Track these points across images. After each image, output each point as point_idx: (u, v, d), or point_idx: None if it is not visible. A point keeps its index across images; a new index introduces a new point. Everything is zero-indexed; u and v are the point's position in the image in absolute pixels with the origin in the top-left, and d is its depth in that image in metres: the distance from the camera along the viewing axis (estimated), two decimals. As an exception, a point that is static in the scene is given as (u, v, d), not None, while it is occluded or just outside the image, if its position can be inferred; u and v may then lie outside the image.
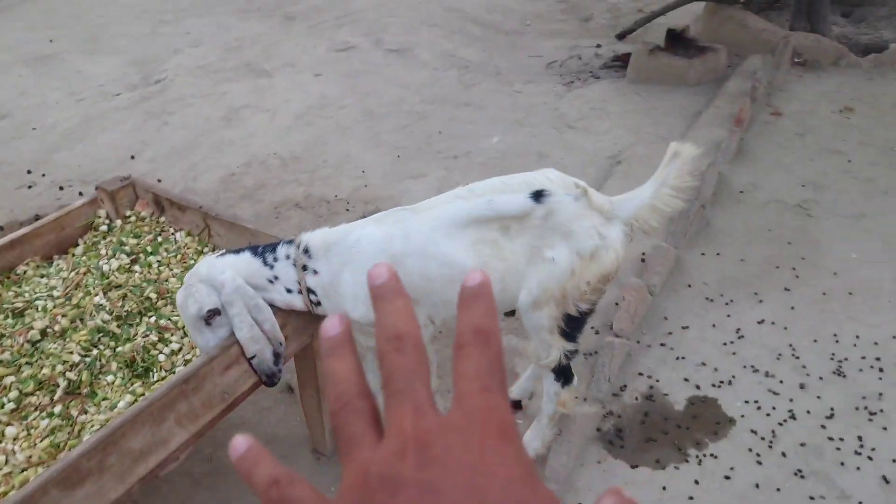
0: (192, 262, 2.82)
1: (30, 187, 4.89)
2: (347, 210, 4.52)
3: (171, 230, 2.98)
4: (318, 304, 2.34)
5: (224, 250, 2.38)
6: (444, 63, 6.86)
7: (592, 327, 3.42)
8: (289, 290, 2.31)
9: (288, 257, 2.31)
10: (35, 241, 2.87)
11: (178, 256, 2.86)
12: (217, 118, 5.79)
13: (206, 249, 2.88)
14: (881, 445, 2.78)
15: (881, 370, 3.11)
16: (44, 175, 5.04)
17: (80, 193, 4.70)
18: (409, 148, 5.23)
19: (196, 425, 2.19)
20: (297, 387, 2.85)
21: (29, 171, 5.08)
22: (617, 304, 3.45)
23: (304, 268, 2.29)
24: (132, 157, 5.26)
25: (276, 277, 2.30)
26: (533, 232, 2.25)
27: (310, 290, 2.31)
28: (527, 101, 6.01)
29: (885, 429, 2.85)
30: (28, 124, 5.80)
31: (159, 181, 4.94)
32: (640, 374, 3.18)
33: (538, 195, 2.21)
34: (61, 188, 4.85)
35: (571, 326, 2.41)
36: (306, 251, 2.32)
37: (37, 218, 4.43)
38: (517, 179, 2.26)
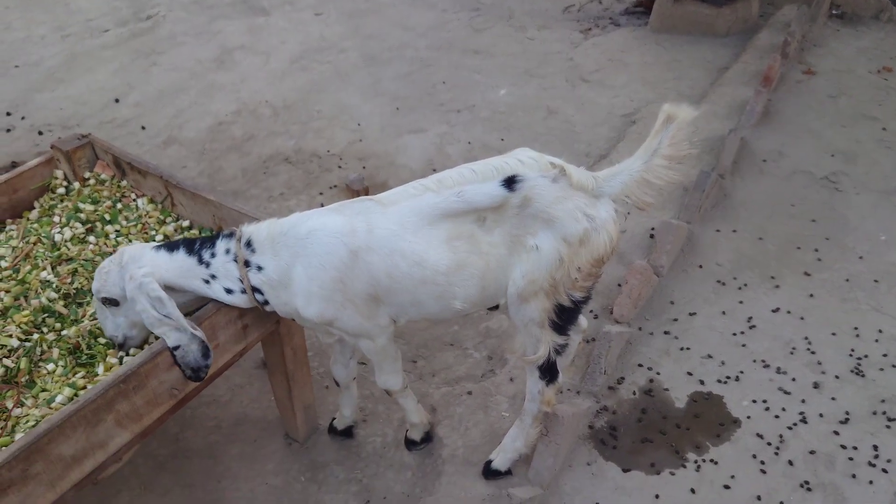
0: (154, 233, 2.58)
1: (8, 131, 4.64)
2: (340, 167, 4.24)
3: (133, 196, 2.73)
4: (266, 302, 2.10)
5: (161, 243, 2.14)
6: (454, 4, 6.42)
7: (591, 311, 3.17)
8: (229, 291, 2.07)
9: (227, 252, 2.06)
10: (-17, 205, 2.63)
11: (139, 226, 2.61)
12: (209, 60, 5.46)
13: (169, 219, 2.63)
14: (899, 457, 2.55)
15: (904, 370, 2.85)
16: (23, 118, 4.77)
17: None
18: (409, 98, 4.90)
19: (140, 425, 1.99)
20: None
21: (8, 114, 4.81)
22: (620, 285, 3.18)
23: (247, 264, 2.04)
24: (116, 101, 4.98)
25: (213, 276, 2.05)
26: (511, 221, 2.00)
27: (255, 289, 2.06)
28: (539, 49, 5.61)
29: (904, 438, 2.61)
30: (11, 61, 5.50)
31: (143, 128, 4.66)
32: (640, 365, 2.94)
33: (511, 182, 1.96)
34: (40, 133, 4.59)
35: (564, 318, 2.17)
36: (248, 245, 2.06)
37: (13, 166, 4.19)
38: (488, 166, 2.00)
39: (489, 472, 2.54)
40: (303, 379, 2.59)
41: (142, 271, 1.97)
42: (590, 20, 6.11)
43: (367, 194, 2.76)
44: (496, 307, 2.26)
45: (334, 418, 2.75)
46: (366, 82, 5.09)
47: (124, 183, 2.77)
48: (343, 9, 6.35)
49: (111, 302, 2.04)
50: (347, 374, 2.56)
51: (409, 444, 2.68)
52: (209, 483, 2.64)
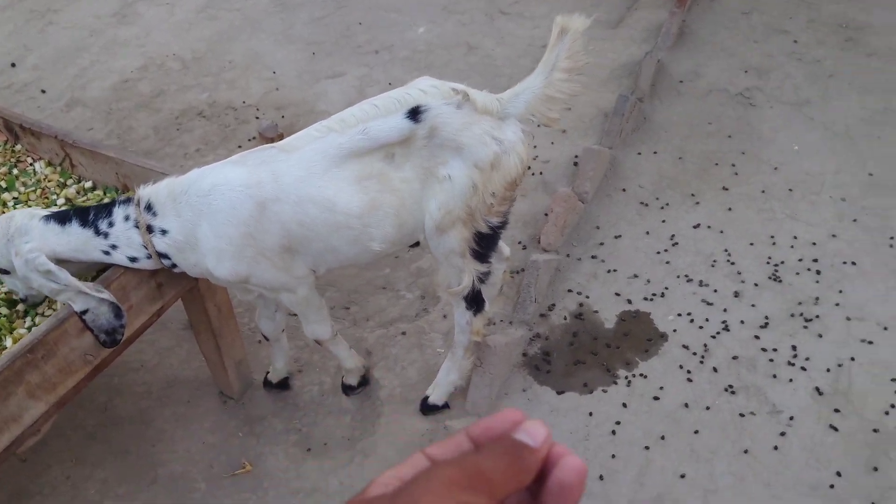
0: (55, 196, 2.45)
1: None
2: (257, 118, 4.10)
3: (29, 160, 2.59)
4: (175, 265, 2.03)
5: (51, 212, 2.03)
6: (366, -59, 6.19)
7: (520, 242, 3.19)
8: (133, 259, 1.99)
9: (127, 219, 1.98)
10: None
11: (38, 191, 2.48)
12: (108, 15, 5.15)
13: (70, 182, 2.50)
14: (815, 354, 2.67)
15: (818, 272, 2.97)
16: (-88, 90, 4.44)
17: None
18: (325, 43, 4.74)
19: (54, 395, 1.93)
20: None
21: None
22: (546, 214, 3.20)
23: (150, 228, 1.96)
24: (13, 66, 4.67)
25: (113, 247, 1.97)
26: (420, 153, 1.97)
27: (161, 255, 1.99)
28: (456, -16, 5.47)
29: (819, 336, 2.73)
30: None
31: (43, 92, 4.40)
32: (570, 290, 2.98)
33: (415, 113, 1.93)
34: (-70, 105, 4.28)
35: (484, 245, 2.18)
36: (149, 208, 1.98)
37: None
38: (389, 99, 1.96)
39: (426, 408, 2.56)
40: (231, 335, 2.54)
41: (27, 247, 1.88)
42: (505, -49, 5.98)
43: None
44: (417, 244, 2.24)
45: (268, 372, 2.71)
46: (278, 28, 4.89)
47: (18, 147, 2.61)
48: (249, -47, 6.04)
49: (2, 271, 1.96)
50: (275, 327, 2.52)
51: (347, 389, 2.67)
52: (143, 448, 2.59)
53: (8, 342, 1.99)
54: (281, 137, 3.32)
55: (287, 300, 2.23)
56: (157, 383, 2.79)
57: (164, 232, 1.97)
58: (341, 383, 2.68)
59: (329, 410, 2.65)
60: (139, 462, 2.55)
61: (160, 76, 4.50)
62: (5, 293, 2.13)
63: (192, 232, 1.96)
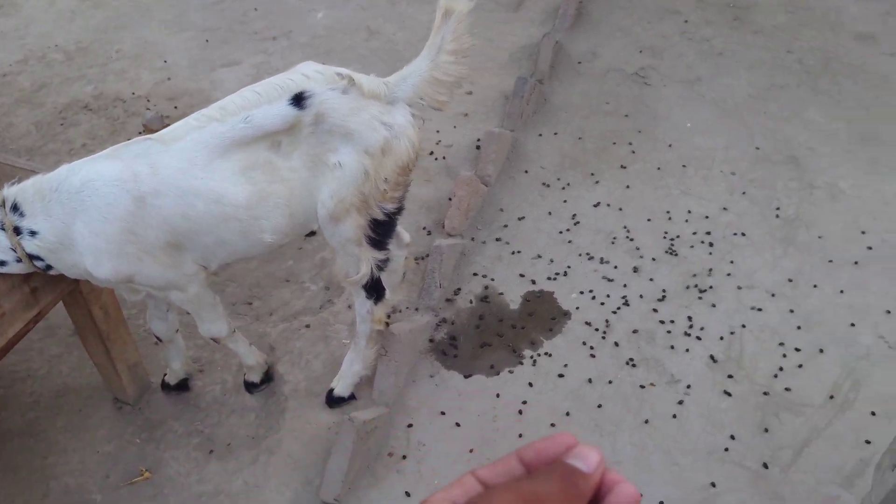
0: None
1: None
2: (148, 109, 3.91)
3: None
4: (50, 267, 1.91)
5: None
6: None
7: (424, 227, 3.17)
8: (2, 263, 1.86)
9: None
10: None
11: None
12: (-18, 4, 4.81)
13: (-68, 184, 2.32)
14: (709, 324, 2.77)
15: (711, 244, 3.08)
16: None
17: None
18: (219, 30, 4.57)
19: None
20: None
21: None
22: (450, 199, 3.19)
23: (17, 230, 1.84)
24: None
25: None
26: (308, 141, 1.92)
27: (33, 257, 1.87)
28: (355, -32, 5.37)
29: (713, 306, 2.84)
30: None
31: None
32: (475, 274, 2.99)
33: (299, 99, 1.88)
34: None
35: (380, 232, 2.15)
36: (15, 208, 1.85)
37: None
38: (272, 86, 1.90)
39: (332, 400, 2.52)
40: (121, 338, 2.43)
41: None
42: (405, -66, 5.91)
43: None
44: (313, 233, 2.19)
45: (165, 374, 2.61)
46: (169, 15, 4.68)
47: None
48: (137, -64, 5.76)
49: None
50: (168, 327, 2.41)
51: (250, 386, 2.60)
52: (34, 461, 2.45)
53: None
54: (170, 129, 3.19)
55: (177, 298, 2.13)
56: (47, 393, 2.64)
57: (32, 233, 1.85)
58: (244, 381, 2.61)
59: (232, 409, 2.58)
60: (30, 477, 2.41)
61: (42, 68, 4.24)
62: None
63: (66, 232, 1.84)
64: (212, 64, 4.29)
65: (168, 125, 3.08)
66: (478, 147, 3.54)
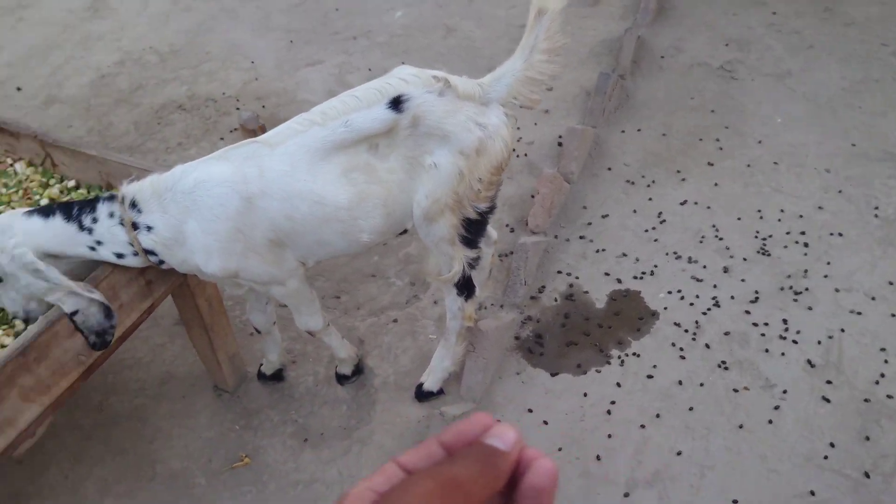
0: (38, 197, 2.42)
1: None
2: (238, 109, 4.05)
3: (9, 161, 2.54)
4: (162, 262, 2.01)
5: (34, 208, 1.99)
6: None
7: (507, 225, 3.18)
8: (120, 255, 1.96)
9: (112, 216, 1.95)
10: None
11: (20, 192, 2.44)
12: (81, 9, 5.06)
13: (52, 181, 2.47)
14: (805, 327, 2.69)
15: (806, 245, 2.99)
16: None
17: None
18: (302, 30, 4.68)
19: (49, 397, 1.91)
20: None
21: None
22: (532, 196, 3.19)
23: (135, 226, 1.94)
24: (-15, 64, 4.58)
25: (98, 243, 1.94)
26: (405, 143, 1.95)
27: (148, 252, 1.96)
28: (433, -34, 5.41)
29: (809, 308, 2.76)
30: None
31: (19, 89, 4.32)
32: (559, 272, 2.98)
33: (397, 103, 1.91)
34: None
35: (473, 231, 2.17)
36: (134, 205, 1.95)
37: None
38: (370, 90, 1.94)
39: (421, 395, 2.56)
40: (222, 329, 2.53)
41: (12, 242, 1.85)
42: (481, -70, 5.92)
43: (264, 132, 2.65)
44: (405, 232, 2.24)
45: (262, 364, 2.71)
46: (255, 17, 4.83)
47: (-3, 148, 2.57)
48: (222, -60, 5.95)
49: None
50: (266, 319, 2.50)
51: (341, 378, 2.67)
52: (141, 446, 2.58)
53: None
54: (262, 128, 3.30)
55: (277, 293, 2.21)
56: (152, 380, 2.77)
57: (149, 228, 1.95)
58: (335, 373, 2.68)
59: (324, 400, 2.65)
60: (137, 459, 2.54)
61: (138, 70, 4.44)
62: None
63: (179, 229, 1.94)
64: (296, 64, 4.40)
65: (263, 125, 3.20)
66: (559, 144, 3.53)
